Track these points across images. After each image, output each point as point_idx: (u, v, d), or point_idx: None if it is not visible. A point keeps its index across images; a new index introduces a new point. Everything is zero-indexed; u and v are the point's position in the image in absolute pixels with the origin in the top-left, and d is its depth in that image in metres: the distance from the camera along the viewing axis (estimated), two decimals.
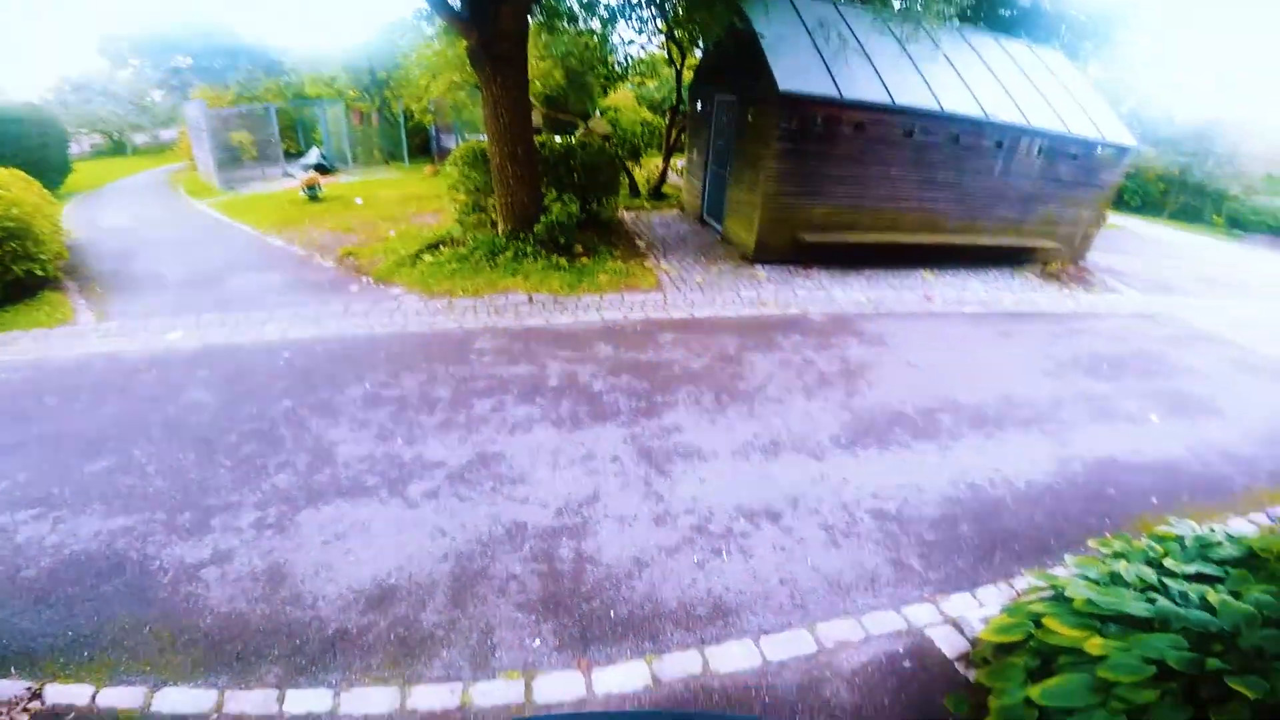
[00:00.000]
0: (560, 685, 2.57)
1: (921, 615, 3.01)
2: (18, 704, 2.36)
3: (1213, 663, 2.04)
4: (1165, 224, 18.03)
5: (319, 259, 8.02)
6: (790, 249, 8.49)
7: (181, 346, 5.39)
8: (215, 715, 2.36)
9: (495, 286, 6.89)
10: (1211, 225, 17.79)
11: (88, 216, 10.74)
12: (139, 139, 24.47)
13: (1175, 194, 19.18)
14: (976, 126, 8.47)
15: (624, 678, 2.60)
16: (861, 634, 2.88)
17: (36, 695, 2.40)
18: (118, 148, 23.46)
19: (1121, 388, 5.62)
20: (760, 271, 8.20)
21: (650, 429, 4.46)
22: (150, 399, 4.52)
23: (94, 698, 2.42)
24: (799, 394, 5.10)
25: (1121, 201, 18.42)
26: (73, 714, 2.34)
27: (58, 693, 2.42)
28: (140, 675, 2.50)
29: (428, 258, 7.67)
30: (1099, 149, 9.27)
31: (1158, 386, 5.70)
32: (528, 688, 2.54)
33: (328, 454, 4.00)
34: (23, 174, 7.23)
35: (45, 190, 7.48)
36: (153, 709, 2.38)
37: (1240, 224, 17.08)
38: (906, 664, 2.75)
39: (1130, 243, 13.29)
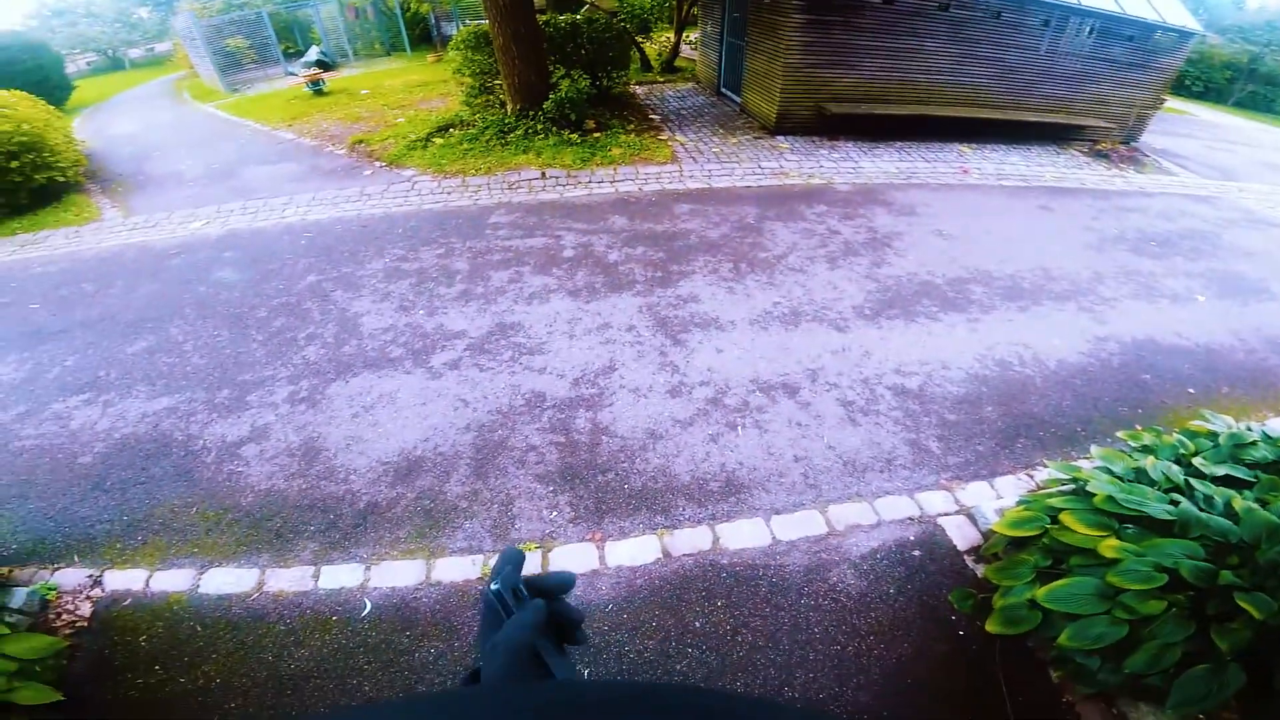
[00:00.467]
0: (575, 557, 2.52)
1: (935, 503, 2.80)
2: (81, 592, 2.40)
3: (1226, 575, 1.85)
4: (1229, 111, 15.72)
5: (331, 148, 7.63)
6: (814, 120, 7.59)
7: (206, 233, 5.24)
8: (256, 594, 2.38)
9: (507, 164, 6.46)
10: None
11: (98, 127, 10.31)
12: (134, 54, 22.91)
13: (1243, 82, 16.77)
14: (1019, 3, 7.21)
15: (636, 551, 2.54)
16: (873, 518, 2.71)
17: (97, 582, 2.44)
18: (115, 64, 22.03)
19: (1168, 266, 4.96)
20: (782, 143, 7.34)
21: (666, 299, 4.18)
22: (182, 281, 4.42)
23: (148, 582, 2.43)
24: (822, 263, 4.69)
25: (1183, 87, 16.34)
26: (129, 599, 2.37)
27: (115, 579, 2.45)
28: (189, 557, 2.52)
29: (438, 140, 7.26)
30: (1158, 33, 7.92)
31: (1207, 267, 5.03)
32: (544, 559, 2.51)
33: (353, 326, 3.87)
34: (25, 94, 7.01)
35: (51, 107, 7.25)
36: (200, 590, 2.40)
37: None
38: (916, 553, 2.58)
39: (1189, 127, 11.55)
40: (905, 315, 4.12)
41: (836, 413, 3.30)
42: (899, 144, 7.65)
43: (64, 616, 2.32)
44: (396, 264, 4.55)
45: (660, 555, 2.54)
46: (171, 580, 2.43)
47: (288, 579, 2.43)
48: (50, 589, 2.38)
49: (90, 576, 2.45)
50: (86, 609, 2.34)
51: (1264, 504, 2.07)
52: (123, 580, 2.44)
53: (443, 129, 7.67)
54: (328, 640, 2.21)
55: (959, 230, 5.33)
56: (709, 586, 2.42)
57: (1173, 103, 12.89)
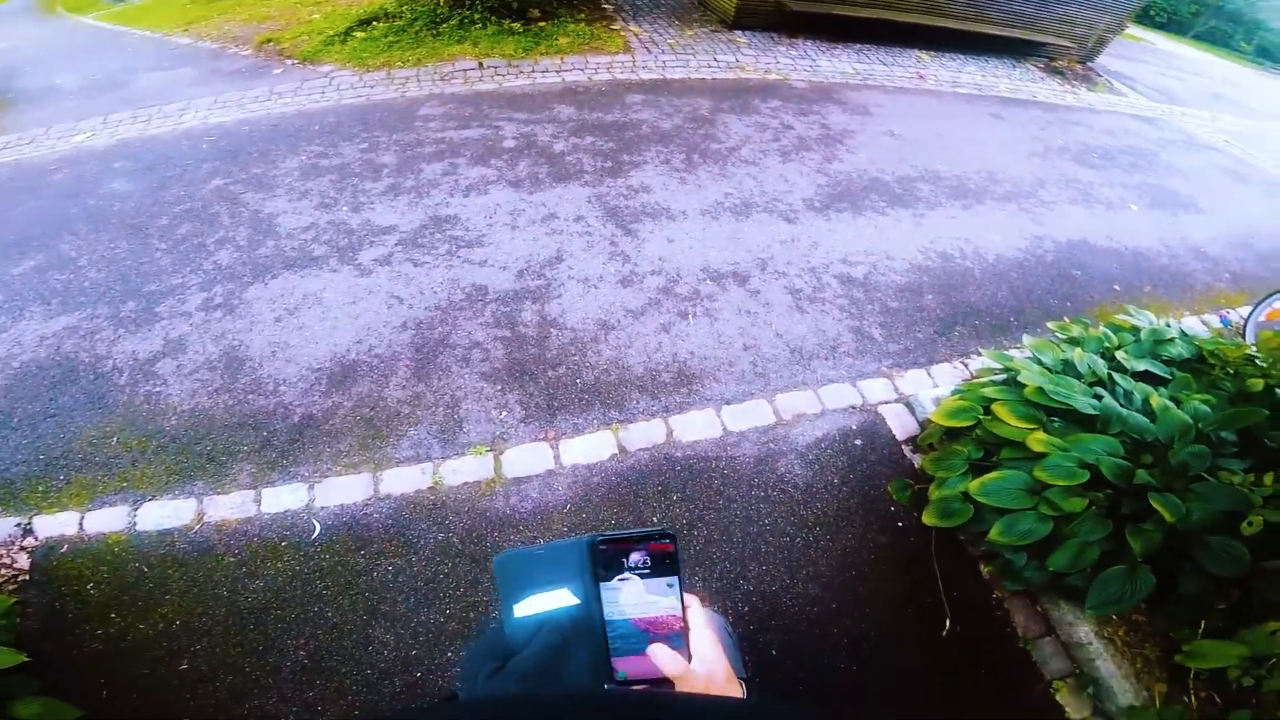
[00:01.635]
0: (528, 459, 2.46)
1: (876, 391, 2.87)
2: (13, 543, 2.17)
3: (1141, 475, 1.94)
4: (1187, 43, 15.85)
5: (235, 49, 6.68)
6: (775, 17, 7.11)
7: (92, 145, 4.57)
8: (198, 526, 2.22)
9: (440, 55, 5.82)
10: (1238, 51, 15.92)
11: None
12: None
13: (1207, 17, 16.88)
14: None
15: (591, 448, 2.50)
16: (818, 407, 2.76)
17: (28, 531, 2.20)
18: None
19: (1106, 177, 5.16)
20: (740, 37, 6.91)
21: (616, 189, 4.00)
22: (68, 195, 3.86)
23: (81, 524, 2.23)
24: (774, 157, 4.57)
25: (1147, 16, 16.17)
26: (65, 545, 2.17)
27: (46, 525, 2.22)
28: (119, 493, 2.30)
29: (359, 34, 6.42)
30: None
31: (1143, 180, 5.25)
32: (497, 463, 2.43)
33: (269, 226, 3.52)
34: None
35: None
36: (138, 527, 2.21)
37: (1269, 54, 15.27)
38: (858, 443, 2.65)
39: (1145, 54, 11.62)
40: (854, 209, 4.10)
41: (784, 300, 3.29)
42: (858, 46, 7.37)
43: (1, 572, 2.10)
44: (314, 161, 4.10)
45: (615, 451, 2.51)
46: (106, 520, 2.24)
47: (228, 506, 2.27)
48: None
49: (19, 525, 2.21)
50: (24, 561, 2.13)
51: (1178, 403, 2.18)
52: (54, 525, 2.23)
53: (365, 22, 6.78)
54: (281, 568, 2.11)
55: (911, 132, 5.27)
56: (664, 481, 2.43)
57: (1134, 30, 12.98)
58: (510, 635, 0.62)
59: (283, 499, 2.31)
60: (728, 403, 2.76)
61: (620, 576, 0.63)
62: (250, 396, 2.64)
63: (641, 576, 0.64)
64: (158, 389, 2.66)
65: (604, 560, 0.63)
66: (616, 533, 0.63)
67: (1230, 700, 1.88)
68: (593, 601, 0.63)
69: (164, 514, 2.26)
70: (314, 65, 5.94)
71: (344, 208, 3.69)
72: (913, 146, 5.05)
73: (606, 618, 0.63)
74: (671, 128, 4.83)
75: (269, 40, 6.84)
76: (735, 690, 0.65)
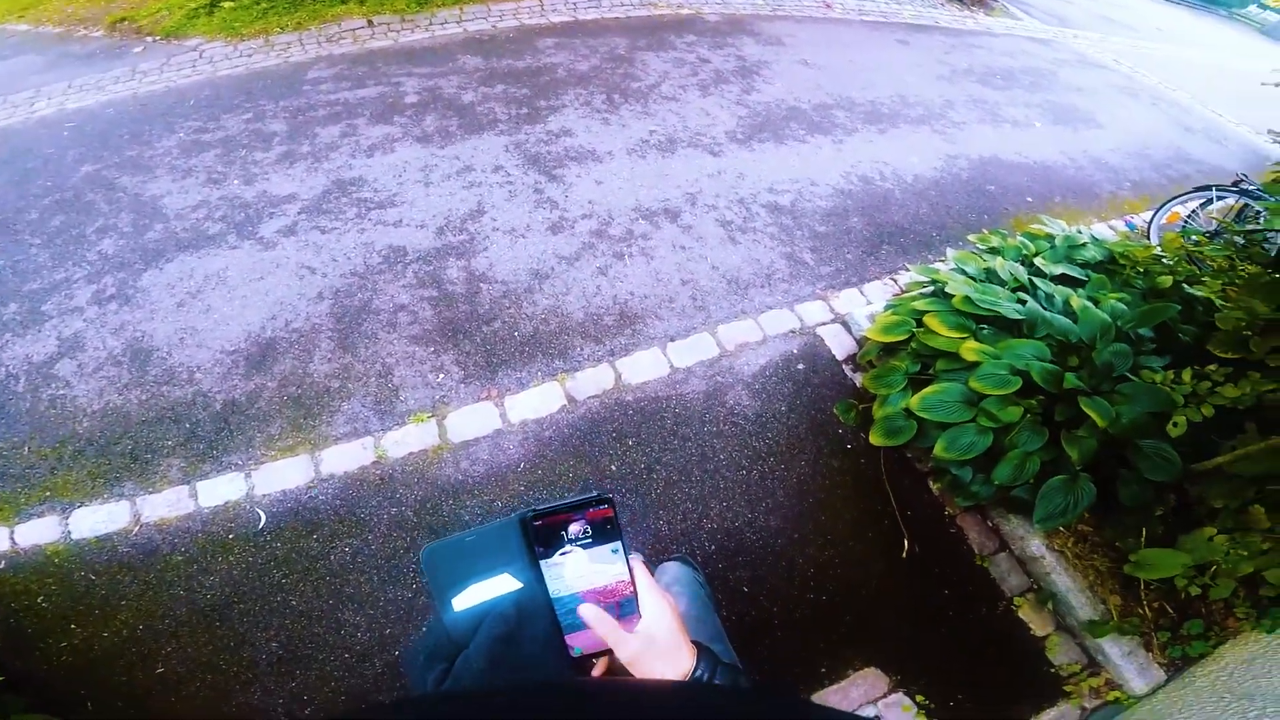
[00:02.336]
0: (474, 420, 2.39)
1: (813, 313, 2.91)
2: None
3: (1070, 379, 2.00)
4: None
5: (84, 31, 5.93)
6: None
7: None
8: (137, 528, 2.08)
9: (322, 17, 5.36)
10: None
11: None
12: None
13: None
14: None
15: (539, 402, 2.45)
16: (759, 335, 2.79)
17: None
18: None
19: (1010, 97, 5.37)
20: None
21: (536, 135, 3.86)
22: None
23: (13, 539, 2.08)
24: (694, 91, 4.53)
25: None
26: (2, 561, 2.03)
27: None
28: (44, 503, 2.14)
29: (228, 4, 5.78)
30: None
31: (1044, 98, 5.50)
32: (441, 427, 2.35)
33: (154, 209, 3.23)
34: None
35: None
36: (74, 536, 2.07)
37: None
38: (800, 366, 2.69)
39: None
40: (775, 138, 4.11)
41: (717, 233, 3.30)
42: None
43: None
44: (194, 137, 3.72)
45: (565, 402, 2.47)
46: (38, 532, 2.10)
47: (164, 505, 2.15)
48: None
49: None
50: None
51: (1096, 303, 2.28)
52: None
53: None
54: (234, 561, 2.02)
55: (823, 60, 5.30)
56: (618, 427, 2.42)
57: None
58: (451, 631, 0.58)
59: (220, 490, 2.19)
60: (672, 339, 2.76)
61: (561, 551, 0.59)
62: (165, 388, 2.45)
63: (584, 547, 0.60)
64: (61, 391, 2.45)
65: (541, 536, 0.59)
66: (549, 505, 0.58)
67: (1181, 609, 1.94)
68: (535, 582, 0.59)
69: (98, 519, 2.14)
70: (179, 40, 5.38)
71: (235, 181, 3.40)
72: (826, 74, 5.08)
73: (553, 595, 0.59)
74: (589, 69, 4.69)
75: (123, 19, 6.10)
76: (683, 655, 0.61)
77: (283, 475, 2.23)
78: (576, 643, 0.61)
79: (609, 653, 0.61)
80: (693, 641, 0.65)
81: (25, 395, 2.44)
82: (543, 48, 4.95)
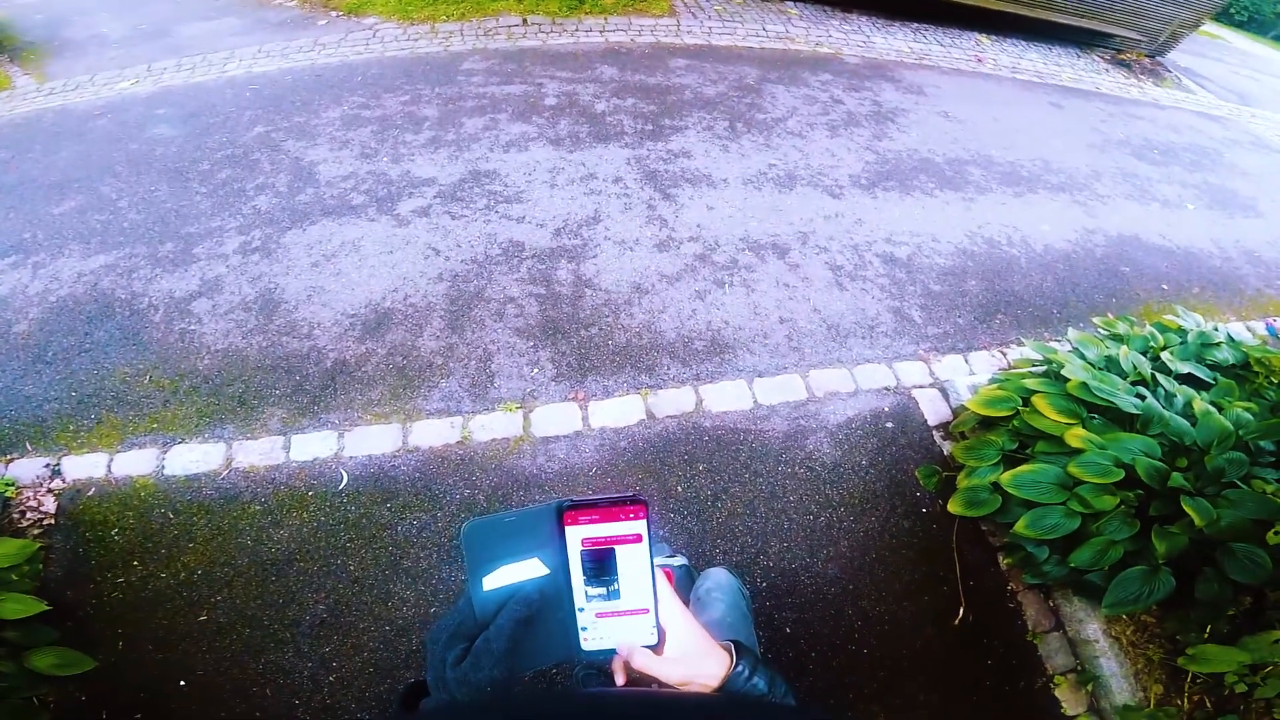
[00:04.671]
0: (557, 418, 2.45)
1: (912, 374, 2.80)
2: (41, 485, 2.15)
3: (1176, 479, 1.88)
4: (1266, 43, 15.05)
5: (280, 1, 6.69)
6: None
7: (136, 91, 4.58)
8: (225, 471, 2.21)
9: (484, 10, 5.74)
10: None
11: None
12: None
13: None
14: None
15: (620, 412, 2.48)
16: (851, 386, 2.70)
17: (56, 473, 2.18)
18: None
19: (1165, 174, 4.92)
20: (791, 8, 6.66)
21: (657, 152, 3.93)
22: (110, 140, 3.89)
23: (109, 467, 2.20)
24: (822, 130, 4.45)
25: (1226, 14, 15.36)
26: (93, 488, 2.14)
27: (75, 465, 2.20)
28: (149, 434, 2.30)
29: None
30: None
31: (1203, 179, 5.00)
32: (526, 420, 2.42)
33: (309, 174, 3.53)
34: None
35: None
36: (165, 471, 2.20)
37: None
38: (889, 425, 2.59)
39: (1219, 51, 10.96)
40: (901, 188, 3.97)
41: (824, 276, 3.22)
42: (915, 24, 7.07)
43: (28, 515, 2.08)
44: (356, 112, 4.08)
45: (644, 417, 2.49)
46: (134, 463, 2.22)
47: (257, 452, 2.27)
48: (9, 484, 2.12)
49: (48, 466, 2.20)
50: (50, 504, 2.11)
51: (1220, 408, 2.10)
52: (83, 467, 2.20)
53: None
54: (306, 519, 2.11)
55: (965, 114, 5.07)
56: (691, 450, 2.41)
57: (1211, 27, 12.33)
58: (479, 610, 0.58)
59: (312, 447, 2.31)
60: (760, 375, 2.72)
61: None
62: (284, 339, 2.66)
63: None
64: (192, 327, 2.68)
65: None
66: (586, 498, 0.59)
67: (1221, 705, 1.89)
68: (561, 570, 0.59)
69: (192, 458, 2.25)
70: (358, 17, 5.90)
71: (384, 158, 3.69)
72: (966, 129, 4.86)
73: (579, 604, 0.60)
74: (715, 94, 4.72)
75: None
76: (719, 656, 0.62)
77: (373, 440, 2.34)
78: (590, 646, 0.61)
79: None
80: (732, 641, 0.65)
81: (159, 325, 2.68)
82: (674, 67, 5.05)
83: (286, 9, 6.44)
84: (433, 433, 2.39)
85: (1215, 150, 5.78)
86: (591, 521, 0.59)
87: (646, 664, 0.61)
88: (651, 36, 5.57)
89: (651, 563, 0.61)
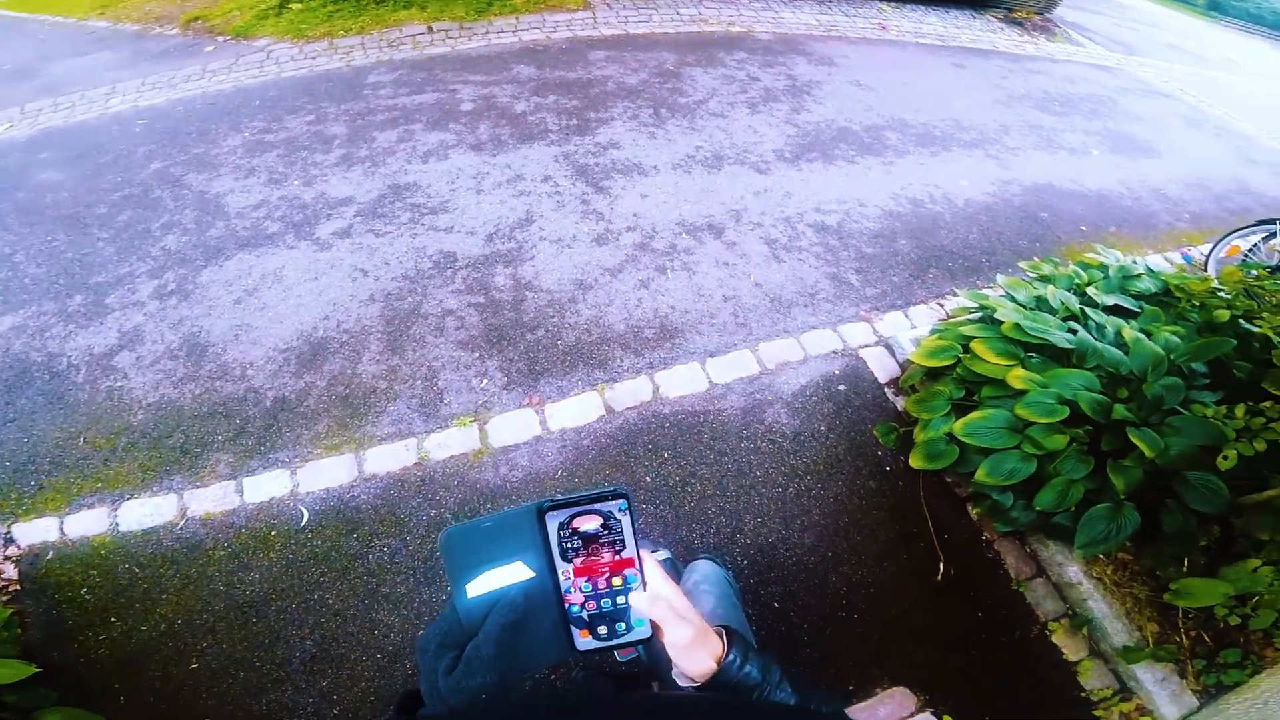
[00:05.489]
0: (515, 426, 2.41)
1: (856, 335, 2.88)
2: None
3: (1119, 410, 1.96)
4: None
5: (159, 30, 6.27)
6: None
7: (12, 136, 4.25)
8: (182, 521, 2.14)
9: (385, 22, 5.56)
10: (1192, 5, 16.19)
11: None
12: None
13: None
14: None
15: (578, 411, 2.46)
16: (801, 354, 2.76)
17: (9, 540, 2.11)
18: None
19: (1068, 123, 5.25)
20: None
21: (585, 146, 3.91)
22: None
23: (62, 529, 2.14)
24: (743, 108, 4.53)
25: None
26: (50, 552, 2.08)
27: (26, 531, 2.13)
28: (95, 494, 2.21)
29: (296, 5, 6.06)
30: None
31: (1103, 126, 5.37)
32: (482, 432, 2.37)
33: (216, 207, 3.35)
34: None
35: None
36: (121, 528, 2.12)
37: (1219, 8, 15.54)
38: (841, 388, 2.66)
39: (1101, 5, 11.85)
40: (824, 158, 4.08)
41: (761, 251, 3.28)
42: None
43: None
44: (259, 137, 3.89)
45: (603, 412, 2.48)
46: (87, 523, 2.15)
47: (210, 499, 2.19)
48: None
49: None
50: (11, 570, 2.07)
51: (1149, 335, 2.22)
52: (35, 532, 2.14)
53: None
54: (274, 558, 2.06)
55: (876, 82, 5.25)
56: (654, 439, 2.41)
57: None
58: (465, 618, 0.57)
59: (265, 487, 2.24)
60: (712, 355, 2.74)
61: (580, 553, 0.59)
62: (218, 383, 2.53)
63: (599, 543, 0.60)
64: (119, 383, 2.54)
65: (561, 539, 0.59)
66: (566, 495, 0.58)
67: (1219, 638, 1.91)
68: (546, 572, 0.58)
69: (145, 512, 2.18)
70: (248, 40, 5.62)
71: (295, 182, 3.53)
72: (878, 96, 5.04)
73: (565, 586, 0.59)
74: (638, 83, 4.74)
75: (196, 18, 6.40)
76: (714, 639, 0.62)
77: (327, 473, 2.27)
78: (581, 635, 0.60)
79: (617, 647, 0.60)
80: (724, 626, 0.65)
81: (84, 385, 2.53)
82: (594, 60, 5.02)
83: (167, 38, 6.08)
84: (388, 458, 2.32)
85: (1110, 98, 6.18)
86: (572, 519, 0.59)
87: (675, 629, 0.60)
88: (568, 31, 5.52)
89: (633, 519, 0.60)
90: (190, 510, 2.18)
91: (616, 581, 0.60)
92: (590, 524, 0.59)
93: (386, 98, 4.35)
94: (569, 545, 0.59)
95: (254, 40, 5.62)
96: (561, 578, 0.59)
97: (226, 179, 3.56)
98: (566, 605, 0.59)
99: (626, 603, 0.60)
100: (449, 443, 2.37)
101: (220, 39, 5.83)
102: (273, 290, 2.89)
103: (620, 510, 0.60)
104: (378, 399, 2.49)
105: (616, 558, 0.60)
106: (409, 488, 2.24)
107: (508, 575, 0.58)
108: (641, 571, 0.61)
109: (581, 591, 0.60)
